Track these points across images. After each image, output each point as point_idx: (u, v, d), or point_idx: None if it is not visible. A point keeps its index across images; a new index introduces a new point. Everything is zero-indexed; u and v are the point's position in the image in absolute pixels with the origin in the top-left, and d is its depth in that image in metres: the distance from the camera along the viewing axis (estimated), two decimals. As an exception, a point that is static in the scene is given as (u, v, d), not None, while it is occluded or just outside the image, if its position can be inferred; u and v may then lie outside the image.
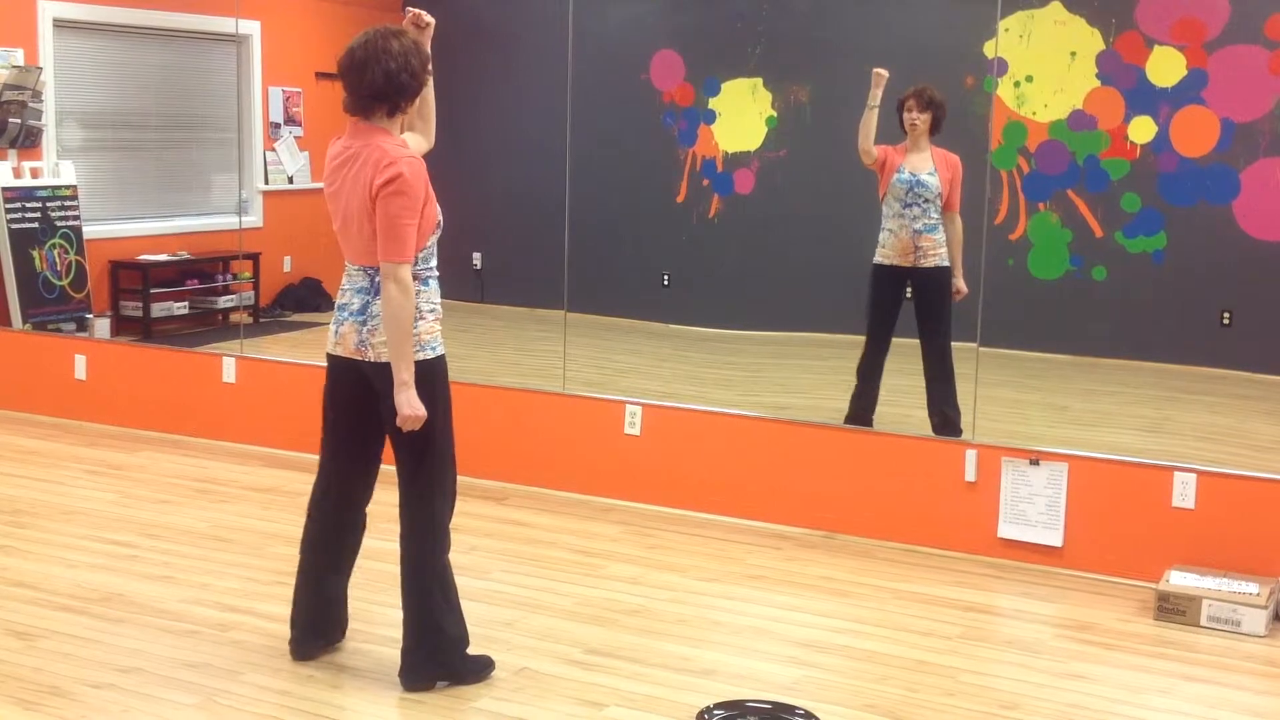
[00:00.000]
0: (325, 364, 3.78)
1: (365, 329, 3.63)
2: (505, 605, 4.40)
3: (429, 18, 3.79)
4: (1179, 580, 4.47)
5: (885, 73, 5.82)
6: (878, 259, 5.90)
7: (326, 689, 3.74)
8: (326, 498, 3.86)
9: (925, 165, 5.80)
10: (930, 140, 5.82)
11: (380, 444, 3.82)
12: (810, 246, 7.60)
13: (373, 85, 3.55)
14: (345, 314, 3.68)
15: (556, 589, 4.58)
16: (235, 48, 8.42)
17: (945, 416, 5.65)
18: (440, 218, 3.66)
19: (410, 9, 3.80)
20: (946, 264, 5.85)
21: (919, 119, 5.78)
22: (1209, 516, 4.66)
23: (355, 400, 3.73)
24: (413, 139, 3.77)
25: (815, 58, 7.74)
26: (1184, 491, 4.69)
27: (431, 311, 3.64)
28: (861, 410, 5.85)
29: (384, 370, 3.61)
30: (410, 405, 3.54)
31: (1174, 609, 4.39)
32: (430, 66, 3.68)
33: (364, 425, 3.77)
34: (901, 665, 4.00)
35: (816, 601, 4.54)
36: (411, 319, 3.54)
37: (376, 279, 3.61)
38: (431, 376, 3.62)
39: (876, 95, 5.81)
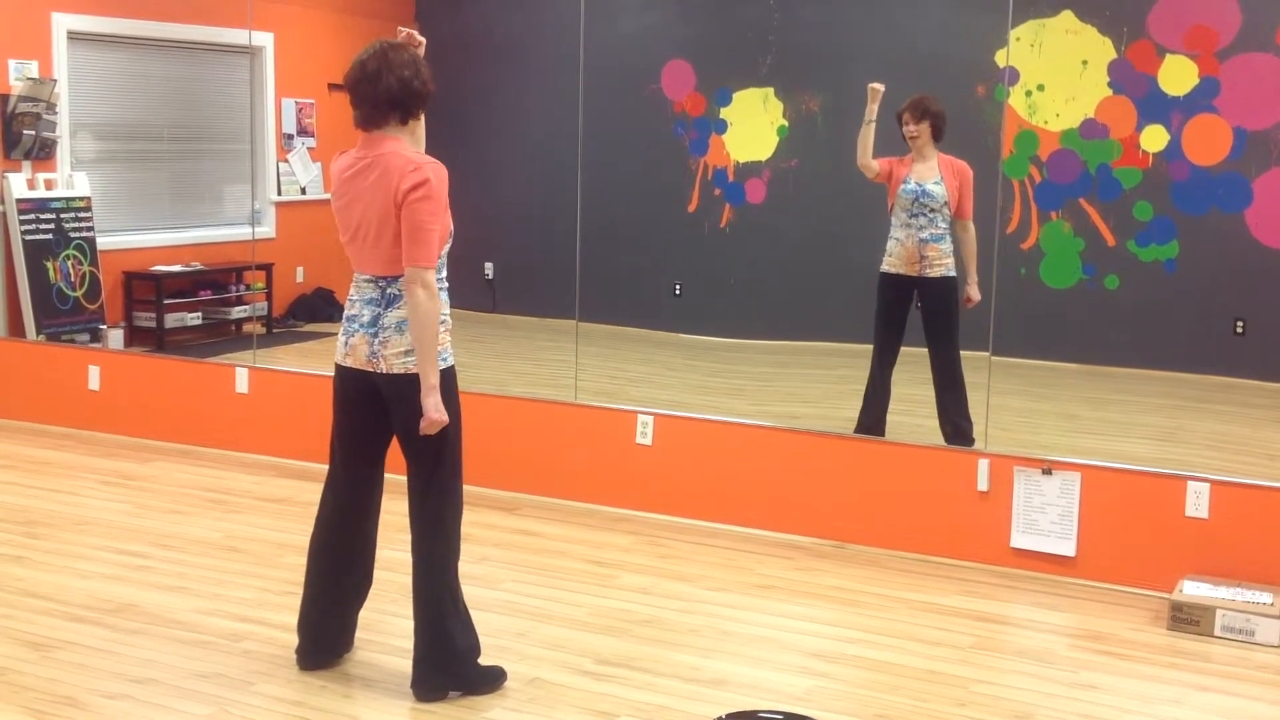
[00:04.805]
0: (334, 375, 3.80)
1: (376, 341, 3.64)
2: (517, 615, 4.40)
3: (420, 37, 3.85)
4: (1192, 590, 4.46)
5: (881, 87, 5.81)
6: (884, 268, 5.89)
7: (338, 699, 3.74)
8: (336, 508, 3.87)
9: (931, 175, 5.78)
10: (936, 148, 5.81)
11: (387, 453, 3.84)
12: (822, 256, 7.60)
13: (388, 92, 3.58)
14: (355, 325, 3.69)
15: (568, 599, 4.58)
16: (248, 59, 8.45)
17: (956, 426, 5.65)
18: (451, 228, 3.68)
19: (402, 28, 3.85)
20: (953, 274, 5.84)
21: (917, 130, 5.77)
22: (1222, 526, 4.65)
23: (366, 411, 3.75)
24: None
25: (826, 67, 7.74)
26: (1197, 501, 4.68)
27: (441, 323, 3.66)
28: (872, 421, 5.84)
29: (396, 381, 3.63)
30: (437, 409, 3.56)
31: (1187, 619, 4.38)
32: None
33: (374, 435, 3.79)
34: (913, 675, 4.00)
35: (828, 611, 4.54)
36: (438, 322, 3.56)
37: (388, 290, 3.63)
38: (443, 387, 3.63)
39: (873, 110, 5.80)
